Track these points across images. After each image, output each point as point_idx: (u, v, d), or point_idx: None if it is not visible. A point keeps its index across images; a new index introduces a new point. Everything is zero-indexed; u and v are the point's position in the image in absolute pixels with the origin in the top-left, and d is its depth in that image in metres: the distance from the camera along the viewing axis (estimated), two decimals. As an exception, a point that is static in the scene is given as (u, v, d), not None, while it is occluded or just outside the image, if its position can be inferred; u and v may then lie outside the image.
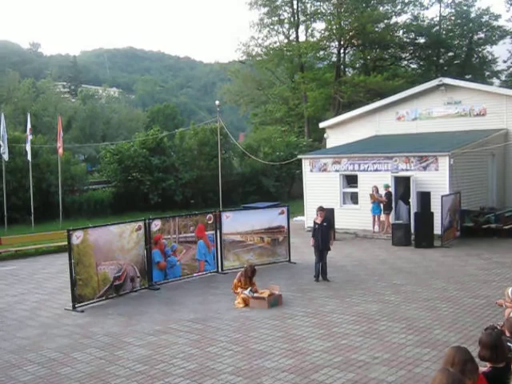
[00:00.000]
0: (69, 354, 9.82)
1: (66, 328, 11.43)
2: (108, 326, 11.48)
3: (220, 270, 16.20)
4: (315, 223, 14.83)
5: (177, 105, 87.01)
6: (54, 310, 12.94)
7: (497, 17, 48.12)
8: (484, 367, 5.27)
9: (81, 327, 11.45)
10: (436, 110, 26.34)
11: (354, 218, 22.27)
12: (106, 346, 10.14)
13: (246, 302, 12.53)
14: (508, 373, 5.16)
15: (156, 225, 14.72)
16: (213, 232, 16.09)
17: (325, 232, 14.60)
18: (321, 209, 14.85)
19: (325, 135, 29.88)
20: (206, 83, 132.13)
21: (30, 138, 27.14)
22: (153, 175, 32.58)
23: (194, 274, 15.70)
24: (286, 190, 37.41)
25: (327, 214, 15.47)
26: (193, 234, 15.60)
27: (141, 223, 14.39)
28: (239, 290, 12.94)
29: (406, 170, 21.13)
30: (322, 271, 14.65)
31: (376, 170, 21.91)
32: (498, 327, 6.44)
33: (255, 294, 12.64)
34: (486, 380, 5.03)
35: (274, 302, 12.42)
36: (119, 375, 8.71)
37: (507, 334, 6.22)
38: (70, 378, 8.66)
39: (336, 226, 21.70)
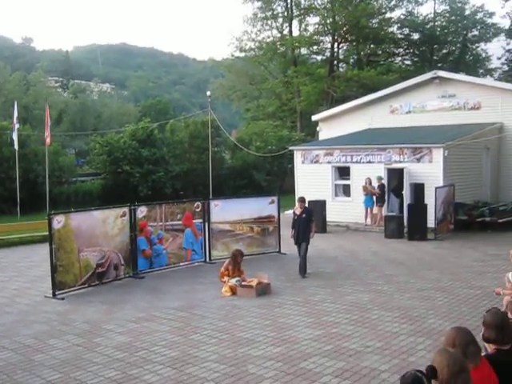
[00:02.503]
0: (45, 340, 9.31)
1: (44, 315, 10.92)
2: (88, 313, 10.99)
3: (208, 259, 15.76)
4: (295, 214, 14.18)
5: (169, 101, 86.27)
6: (33, 298, 12.43)
7: (491, 14, 47.88)
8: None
9: (60, 314, 10.94)
10: (430, 104, 25.91)
11: (346, 210, 21.86)
12: (84, 333, 9.64)
13: (233, 291, 12.08)
14: (514, 356, 4.69)
15: (142, 211, 14.24)
16: (201, 220, 15.65)
17: (303, 224, 13.84)
18: (301, 200, 14.20)
19: (317, 128, 29.45)
20: (199, 80, 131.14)
21: (16, 126, 26.55)
22: (142, 167, 32.06)
23: (181, 264, 15.24)
24: (277, 184, 36.93)
25: (310, 206, 14.93)
26: (180, 222, 15.13)
27: (126, 209, 13.91)
28: (225, 278, 12.48)
29: (400, 161, 20.73)
30: (299, 267, 13.81)
31: (369, 162, 21.50)
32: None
33: (243, 283, 12.19)
34: (489, 363, 4.55)
35: (263, 290, 11.98)
36: (96, 362, 8.21)
37: (510, 316, 5.77)
38: (43, 365, 8.14)
39: (328, 219, 21.37)
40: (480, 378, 4.15)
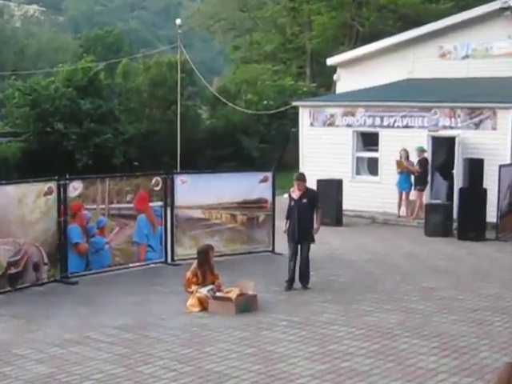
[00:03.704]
0: None
1: None
2: (-6, 331, 11.01)
3: (169, 259, 15.85)
4: (291, 198, 14.03)
5: (124, 32, 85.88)
6: None
7: None
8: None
9: (-48, 332, 10.97)
10: (497, 46, 25.82)
11: (372, 194, 21.98)
12: (-14, 360, 9.66)
13: (203, 305, 12.13)
14: None
15: (75, 188, 14.28)
16: (161, 204, 15.71)
17: (304, 213, 13.74)
18: (300, 177, 14.02)
19: (335, 76, 29.38)
20: (168, 3, 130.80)
21: None
22: (81, 126, 31.92)
23: (131, 264, 15.34)
24: (275, 155, 36.90)
25: (320, 187, 14.82)
26: (131, 205, 15.21)
27: (52, 184, 13.90)
28: (193, 287, 12.48)
29: (450, 127, 20.91)
30: (300, 274, 13.85)
31: (406, 127, 21.65)
32: None
33: (218, 294, 12.21)
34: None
35: (245, 305, 12.04)
36: (0, 401, 8.22)
37: None
38: None
39: (345, 206, 21.44)
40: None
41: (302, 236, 13.76)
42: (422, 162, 20.61)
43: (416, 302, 12.70)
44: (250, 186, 16.79)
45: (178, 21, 31.46)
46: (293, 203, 13.89)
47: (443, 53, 26.82)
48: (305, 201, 13.77)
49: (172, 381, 8.83)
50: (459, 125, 20.68)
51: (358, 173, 22.75)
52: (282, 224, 15.25)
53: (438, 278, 14.66)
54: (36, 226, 13.57)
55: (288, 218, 13.96)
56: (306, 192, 13.92)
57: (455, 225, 19.41)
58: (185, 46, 32.33)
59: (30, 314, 11.98)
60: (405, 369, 9.25)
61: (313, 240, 13.93)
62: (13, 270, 13.18)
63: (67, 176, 14.57)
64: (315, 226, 13.98)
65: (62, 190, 13.97)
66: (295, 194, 13.92)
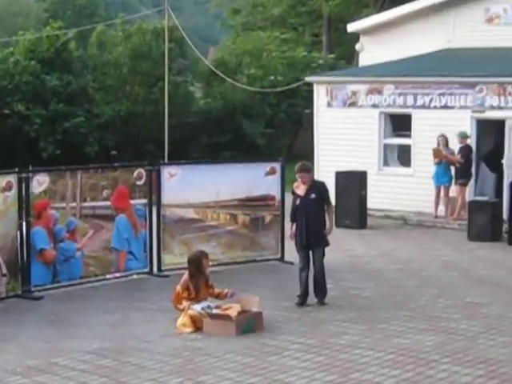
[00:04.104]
0: None
1: None
2: None
3: (155, 269, 15.90)
4: (296, 195, 13.90)
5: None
6: None
7: None
8: None
9: None
10: (556, 8, 25.89)
11: (403, 190, 22.05)
12: None
13: (196, 325, 12.10)
14: None
15: (40, 182, 14.25)
16: (145, 201, 15.74)
17: (313, 212, 13.65)
18: (303, 168, 13.85)
19: (357, 46, 29.37)
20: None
21: None
22: (47, 108, 32.08)
23: (108, 276, 15.34)
24: (284, 142, 36.98)
25: (319, 181, 14.60)
26: (108, 204, 15.20)
27: (11, 178, 13.90)
28: (185, 303, 12.48)
29: (499, 107, 20.90)
30: (315, 287, 13.88)
31: (445, 107, 21.66)
32: None
33: (215, 311, 12.21)
34: None
35: (249, 325, 12.02)
36: None
37: None
38: None
39: (369, 205, 21.45)
40: None
41: (312, 241, 13.69)
42: (465, 150, 20.62)
43: (457, 320, 12.65)
44: (253, 179, 16.79)
45: (165, -22, 31.63)
46: (298, 201, 13.75)
47: (490, 16, 26.76)
48: (313, 196, 13.65)
49: (159, 417, 8.86)
50: (510, 104, 20.65)
51: (385, 163, 22.84)
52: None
53: (483, 291, 14.64)
54: (-8, 230, 13.62)
55: (294, 220, 13.89)
56: (313, 185, 13.83)
57: (505, 227, 19.35)
58: (173, 10, 32.46)
59: (-14, 335, 12.06)
60: (444, 403, 9.28)
61: (327, 243, 13.88)
62: (-35, 283, 13.26)
63: (30, 168, 14.57)
64: (327, 225, 13.91)
65: (23, 185, 13.96)
66: (300, 190, 13.78)
